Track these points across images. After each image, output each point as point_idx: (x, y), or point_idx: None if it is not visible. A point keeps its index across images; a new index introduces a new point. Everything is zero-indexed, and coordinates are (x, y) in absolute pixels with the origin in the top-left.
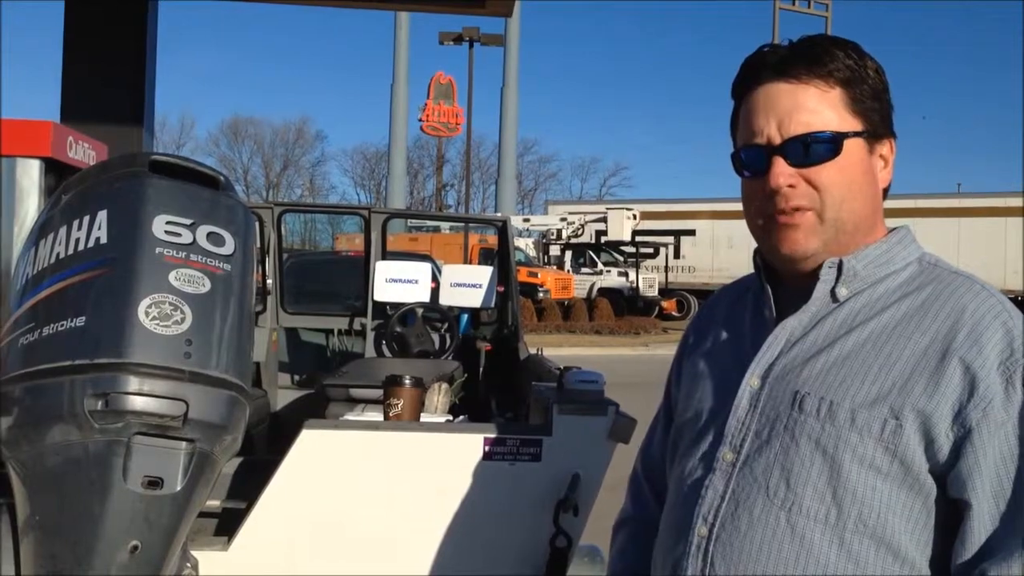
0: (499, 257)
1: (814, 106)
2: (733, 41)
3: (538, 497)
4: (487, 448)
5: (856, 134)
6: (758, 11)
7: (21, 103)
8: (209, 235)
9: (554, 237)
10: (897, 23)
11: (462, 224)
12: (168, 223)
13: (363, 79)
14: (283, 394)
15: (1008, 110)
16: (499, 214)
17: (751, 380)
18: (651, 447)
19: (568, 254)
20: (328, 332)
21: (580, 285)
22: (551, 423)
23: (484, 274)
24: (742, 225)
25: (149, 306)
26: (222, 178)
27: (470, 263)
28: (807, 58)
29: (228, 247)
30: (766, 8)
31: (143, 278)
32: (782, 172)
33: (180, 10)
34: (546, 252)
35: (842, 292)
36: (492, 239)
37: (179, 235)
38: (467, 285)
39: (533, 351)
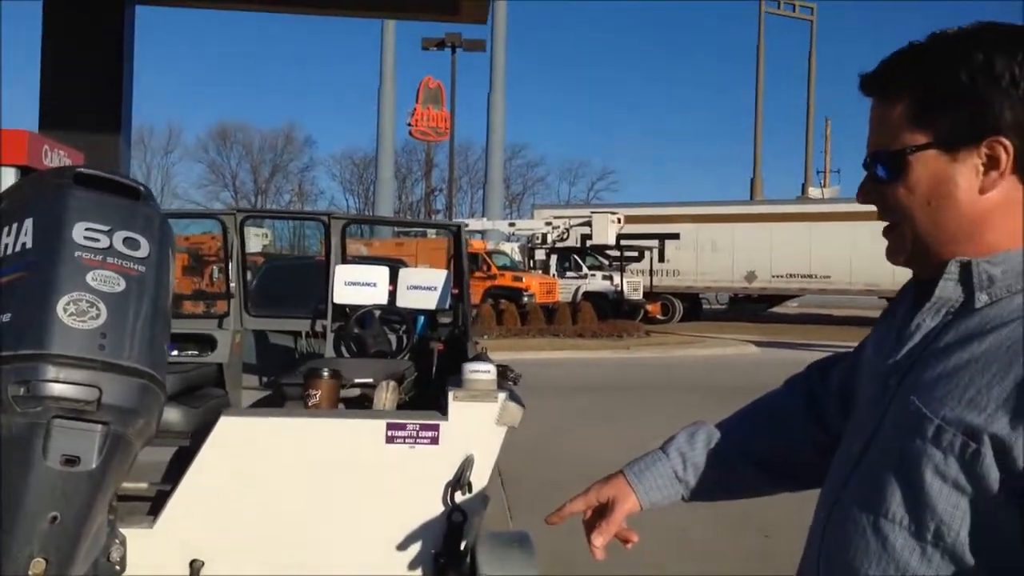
0: (454, 260)
1: (881, 122)
2: (720, 45)
3: (437, 477)
4: (389, 433)
5: (920, 147)
6: (744, 15)
7: None
8: (125, 240)
9: (539, 241)
10: (886, 22)
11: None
12: (87, 229)
13: (351, 84)
14: (247, 395)
15: None
16: (448, 219)
17: (890, 378)
18: (834, 368)
19: (553, 258)
20: (296, 335)
21: (565, 289)
22: (447, 409)
23: (439, 277)
24: (725, 229)
25: (67, 303)
26: (143, 189)
27: (467, 269)
28: (875, 75)
29: (143, 251)
30: (752, 12)
31: (62, 278)
32: (860, 188)
33: (168, 17)
34: (531, 256)
35: (981, 299)
36: (478, 244)
37: (97, 240)
38: (423, 288)
39: (480, 349)
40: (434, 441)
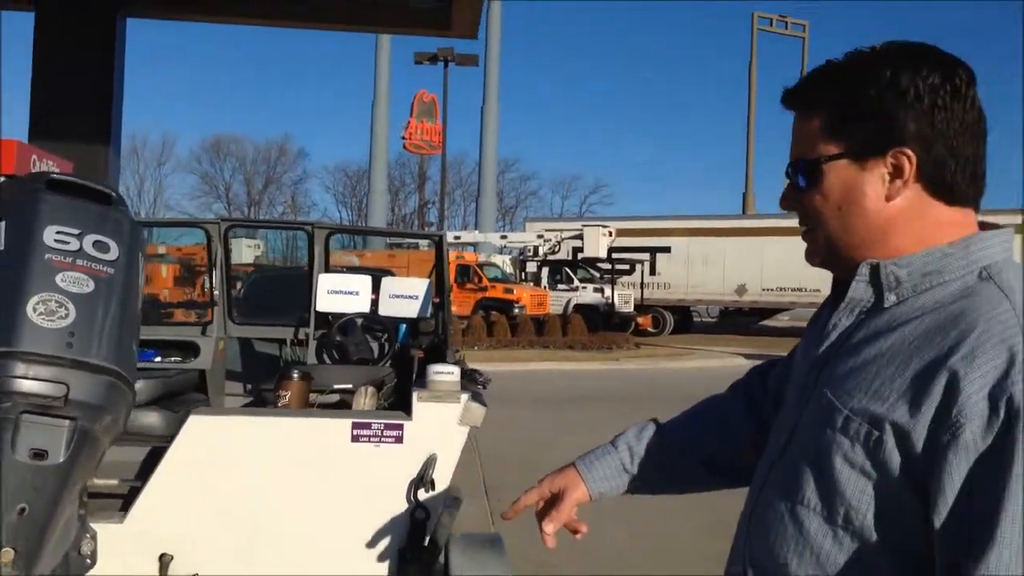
0: (435, 270)
1: (800, 134)
2: (713, 62)
3: (401, 475)
4: (355, 432)
5: (832, 157)
6: (738, 31)
7: None
8: (95, 243)
9: (531, 254)
10: (879, 39)
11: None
12: (58, 232)
13: (346, 97)
14: (231, 400)
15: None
16: (439, 230)
17: (810, 375)
18: (772, 372)
19: (545, 271)
20: (281, 342)
21: (556, 301)
22: (411, 409)
23: (420, 286)
24: (716, 242)
25: (37, 303)
26: (114, 195)
27: (448, 278)
28: (795, 90)
29: (112, 254)
30: (745, 27)
31: (32, 279)
32: (783, 196)
33: (165, 29)
34: (523, 269)
35: (890, 298)
36: (470, 256)
37: (67, 243)
38: (404, 296)
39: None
40: (398, 440)
